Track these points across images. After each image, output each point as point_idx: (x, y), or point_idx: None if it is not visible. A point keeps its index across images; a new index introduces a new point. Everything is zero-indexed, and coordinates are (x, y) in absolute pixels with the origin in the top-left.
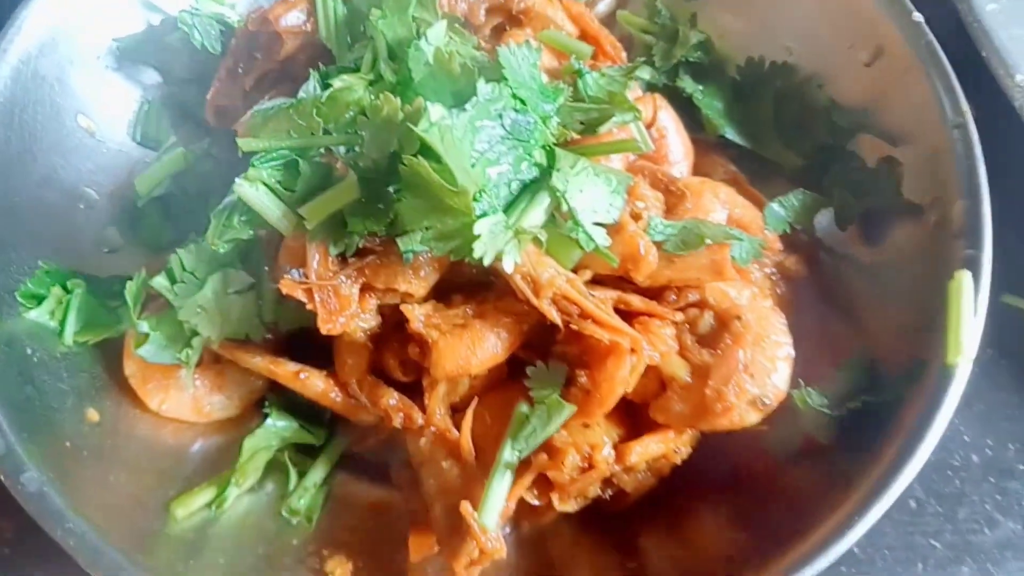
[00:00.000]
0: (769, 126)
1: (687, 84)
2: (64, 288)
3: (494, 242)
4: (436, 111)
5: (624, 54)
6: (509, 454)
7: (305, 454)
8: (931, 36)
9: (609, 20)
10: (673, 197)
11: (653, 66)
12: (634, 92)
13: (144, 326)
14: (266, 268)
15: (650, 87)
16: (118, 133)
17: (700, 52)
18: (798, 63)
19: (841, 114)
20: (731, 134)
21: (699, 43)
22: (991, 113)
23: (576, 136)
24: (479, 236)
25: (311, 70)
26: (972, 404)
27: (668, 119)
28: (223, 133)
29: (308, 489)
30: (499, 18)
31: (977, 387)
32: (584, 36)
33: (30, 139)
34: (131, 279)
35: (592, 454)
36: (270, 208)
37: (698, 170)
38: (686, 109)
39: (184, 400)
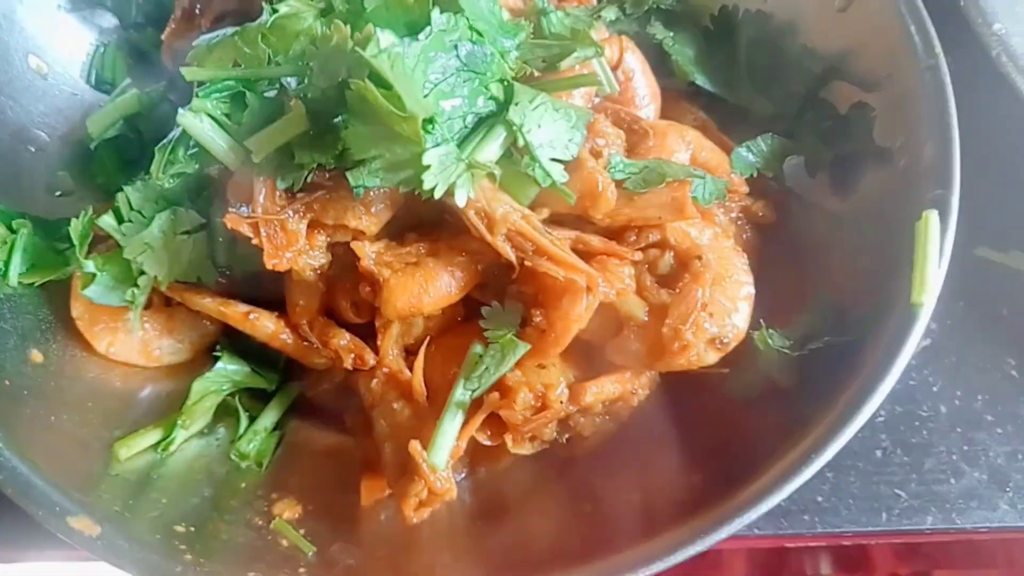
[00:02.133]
0: (741, 73)
1: (657, 30)
2: (9, 228)
3: (445, 173)
4: (386, 38)
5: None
6: (461, 393)
7: (258, 399)
8: None
9: None
10: (636, 136)
11: (624, 12)
12: (600, 33)
13: (91, 265)
14: (217, 209)
15: (620, 34)
16: (71, 75)
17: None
18: (773, 11)
19: (814, 61)
20: (702, 81)
21: None
22: (969, 64)
23: (537, 73)
24: (429, 166)
25: (264, 3)
26: (943, 356)
27: (635, 61)
28: (179, 76)
29: (258, 433)
30: None
31: (949, 339)
32: None
33: None
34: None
35: (546, 393)
36: (215, 141)
37: (667, 116)
38: (656, 56)
39: (133, 343)
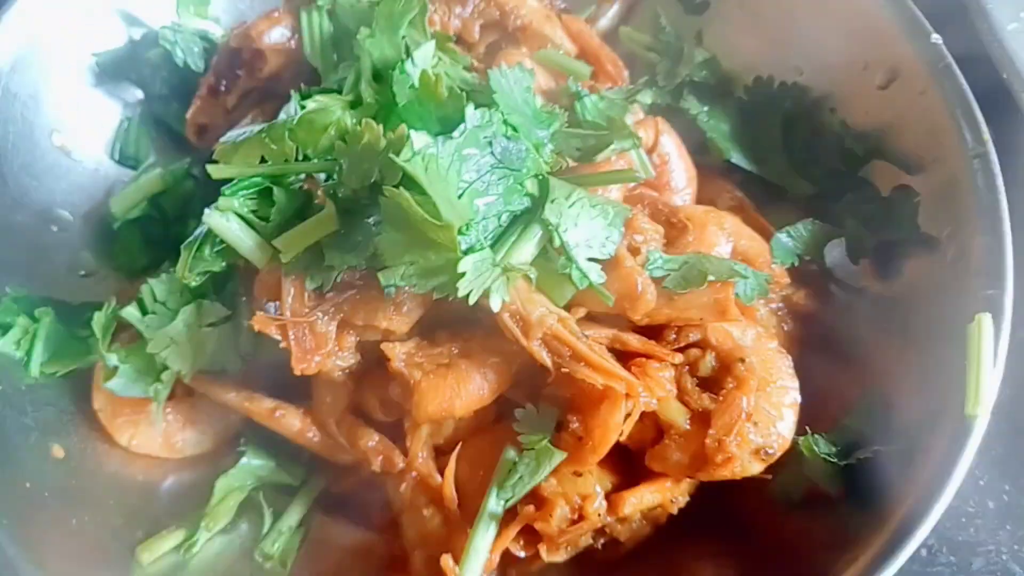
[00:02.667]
0: (778, 150)
1: (691, 105)
2: (31, 317)
3: (480, 280)
4: (420, 139)
5: (626, 73)
6: (494, 504)
7: (282, 492)
8: (950, 59)
9: (611, 37)
10: (675, 229)
11: (656, 86)
12: (635, 115)
13: (113, 359)
14: (243, 299)
15: (653, 108)
16: (95, 151)
17: (706, 71)
18: (809, 84)
19: (854, 139)
20: (737, 158)
21: (705, 62)
22: (1012, 137)
23: (572, 163)
24: (464, 274)
25: (292, 90)
26: (989, 448)
27: (671, 144)
28: (204, 152)
29: (283, 532)
30: (495, 36)
31: (995, 430)
32: (584, 54)
33: (0, 160)
34: (102, 308)
35: (583, 505)
36: (242, 240)
37: (703, 196)
38: (690, 131)
39: (155, 435)
